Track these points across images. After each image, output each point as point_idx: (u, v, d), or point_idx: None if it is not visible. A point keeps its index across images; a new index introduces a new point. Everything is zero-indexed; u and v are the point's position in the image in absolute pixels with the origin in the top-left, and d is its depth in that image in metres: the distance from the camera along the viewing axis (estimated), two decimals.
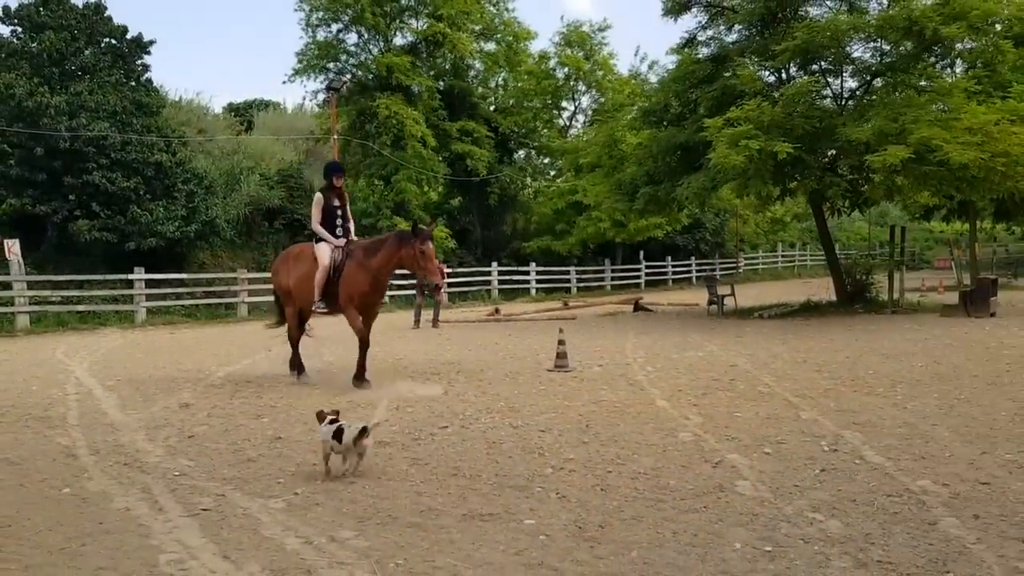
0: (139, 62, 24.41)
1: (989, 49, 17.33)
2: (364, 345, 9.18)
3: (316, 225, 9.56)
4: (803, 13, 17.91)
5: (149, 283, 21.07)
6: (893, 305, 18.70)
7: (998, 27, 18.28)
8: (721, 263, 42.23)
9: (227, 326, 20.00)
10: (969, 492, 4.95)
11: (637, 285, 36.27)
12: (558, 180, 37.88)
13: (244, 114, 43.05)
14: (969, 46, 17.68)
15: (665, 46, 66.76)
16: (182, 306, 22.18)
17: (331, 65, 31.96)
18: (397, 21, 32.19)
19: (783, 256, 50.32)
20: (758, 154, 14.74)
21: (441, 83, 33.10)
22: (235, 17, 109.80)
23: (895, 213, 45.60)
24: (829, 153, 17.40)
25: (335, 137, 27.46)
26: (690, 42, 19.57)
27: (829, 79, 18.19)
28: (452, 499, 5.06)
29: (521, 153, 39.11)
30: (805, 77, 17.41)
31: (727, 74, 17.51)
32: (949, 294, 22.58)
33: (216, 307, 22.96)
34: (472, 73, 35.97)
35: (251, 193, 27.57)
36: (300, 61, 31.55)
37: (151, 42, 24.46)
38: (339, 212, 9.65)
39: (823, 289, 22.23)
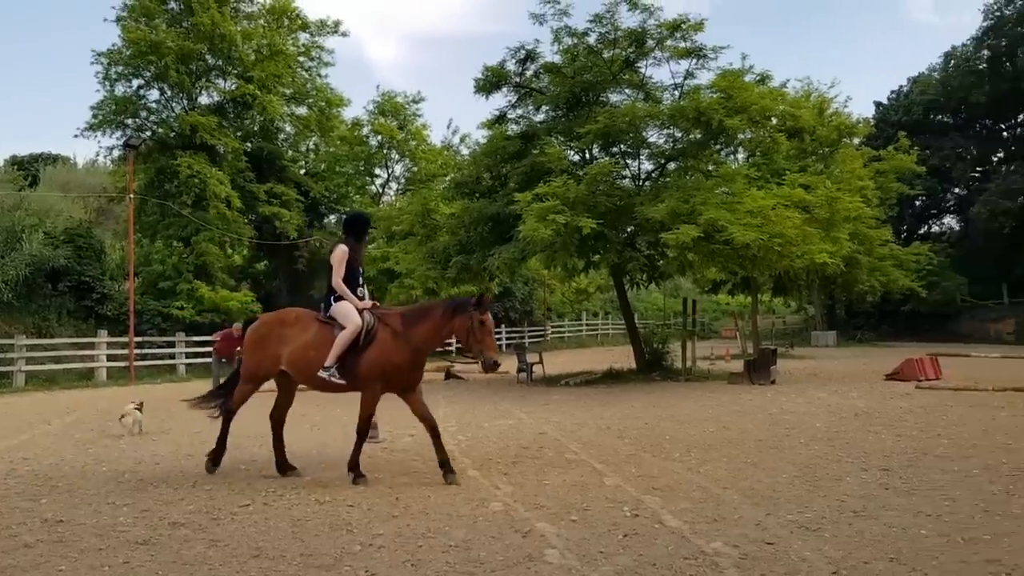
0: None
1: (767, 140, 19.20)
2: (361, 435, 7.96)
3: (339, 281, 7.92)
4: (604, 99, 19.09)
5: None
6: (686, 373, 19.88)
7: (774, 120, 20.30)
8: (530, 331, 43.30)
9: (1, 398, 18.14)
10: (756, 552, 5.27)
11: (449, 352, 36.37)
12: (370, 246, 37.75)
13: (28, 168, 40.10)
14: (749, 136, 19.50)
15: (477, 120, 68.63)
16: None
17: (130, 121, 30.38)
18: (203, 80, 31.25)
19: (587, 325, 52.36)
20: (564, 228, 15.42)
21: (249, 144, 32.33)
22: (21, 65, 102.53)
23: (687, 286, 48.87)
24: (629, 230, 18.45)
25: (131, 195, 26.03)
26: (501, 119, 20.33)
27: (628, 161, 19.46)
28: None
29: (332, 218, 38.76)
30: (607, 158, 18.53)
31: (536, 151, 18.28)
32: (735, 362, 24.26)
33: None
34: (282, 136, 35.48)
35: (33, 253, 25.46)
36: (95, 116, 29.82)
37: None
38: (360, 271, 8.32)
39: (624, 357, 23.27)
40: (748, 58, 29.70)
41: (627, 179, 19.52)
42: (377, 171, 39.18)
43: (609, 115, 17.13)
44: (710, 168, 19.63)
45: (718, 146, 19.69)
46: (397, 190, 39.64)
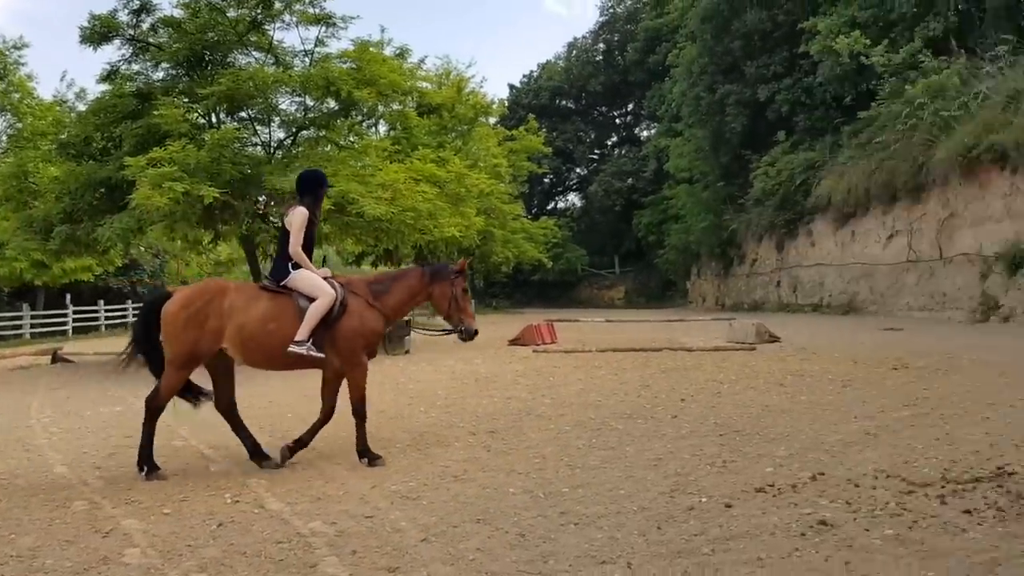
0: None
1: (399, 115, 19.51)
2: (361, 417, 7.38)
3: (297, 248, 7.08)
4: (232, 60, 18.03)
5: None
6: None
7: (411, 97, 20.68)
8: None
9: None
10: (354, 528, 5.21)
11: (64, 332, 32.72)
12: None
13: None
14: (385, 110, 19.66)
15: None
16: None
17: None
18: None
19: None
20: (184, 197, 14.34)
21: None
22: None
23: (334, 258, 48.68)
24: (260, 199, 17.71)
25: None
26: (113, 74, 18.37)
27: (259, 128, 18.60)
28: None
29: None
30: (234, 124, 17.56)
31: (155, 112, 16.78)
32: None
33: None
34: None
35: None
36: None
37: None
38: (315, 237, 7.58)
39: None
40: (388, 31, 30.07)
41: (258, 147, 18.69)
42: None
43: (233, 77, 16.17)
44: (351, 139, 19.49)
45: (360, 118, 19.59)
46: None
